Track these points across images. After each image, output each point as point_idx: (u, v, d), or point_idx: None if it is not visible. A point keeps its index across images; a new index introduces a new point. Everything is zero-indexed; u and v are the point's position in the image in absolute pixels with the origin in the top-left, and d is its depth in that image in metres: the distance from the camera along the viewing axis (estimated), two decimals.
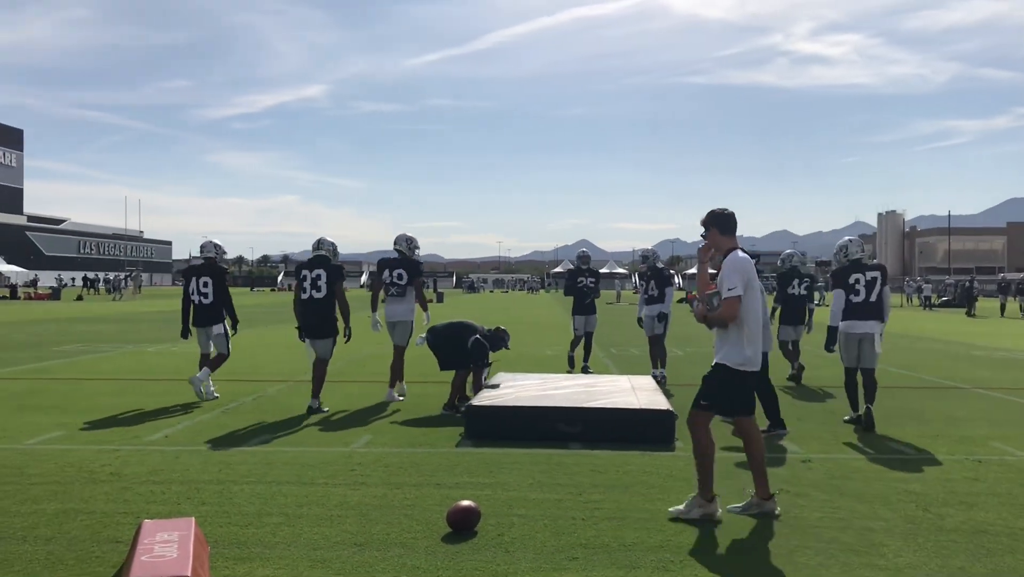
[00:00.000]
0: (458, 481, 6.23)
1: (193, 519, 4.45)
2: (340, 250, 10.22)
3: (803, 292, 12.75)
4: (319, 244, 9.87)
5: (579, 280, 13.60)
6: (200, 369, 10.24)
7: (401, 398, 10.33)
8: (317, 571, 4.34)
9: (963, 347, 19.78)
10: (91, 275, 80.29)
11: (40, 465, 6.58)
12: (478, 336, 9.56)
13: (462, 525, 5.01)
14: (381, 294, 10.76)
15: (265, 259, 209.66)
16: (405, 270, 10.45)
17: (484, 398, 8.45)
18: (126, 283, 66.63)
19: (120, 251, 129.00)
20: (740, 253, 5.50)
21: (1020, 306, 38.21)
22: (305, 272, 9.65)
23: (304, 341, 9.75)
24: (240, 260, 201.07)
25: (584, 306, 13.51)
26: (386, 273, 10.49)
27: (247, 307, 42.24)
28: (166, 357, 15.68)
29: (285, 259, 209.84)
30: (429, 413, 9.29)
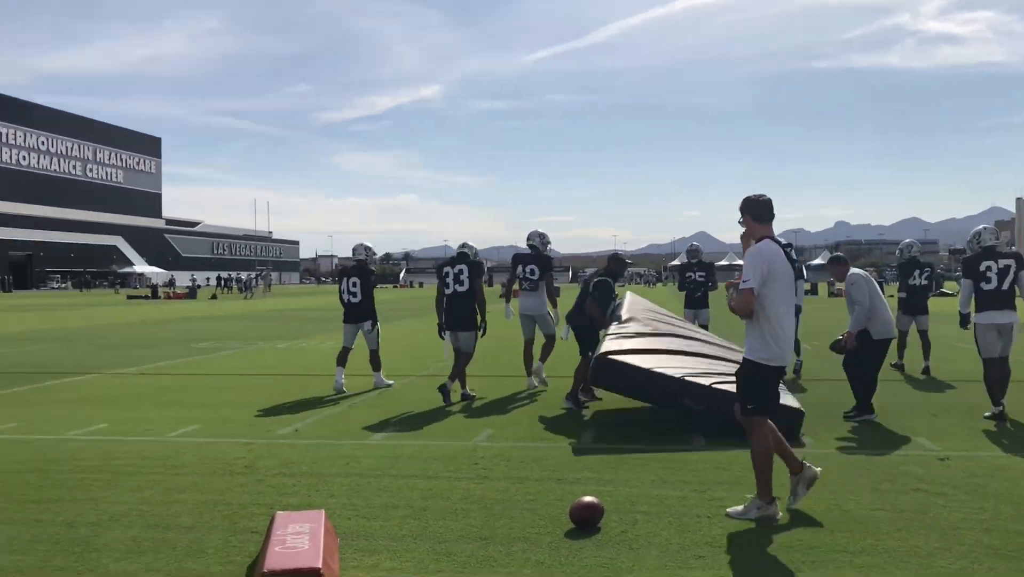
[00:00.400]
0: (579, 477, 6.22)
1: (323, 512, 4.59)
2: (455, 246, 10.58)
3: (924, 282, 12.55)
4: (463, 245, 10.45)
5: (687, 274, 13.72)
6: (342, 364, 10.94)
7: (539, 385, 10.71)
8: (442, 564, 4.40)
9: None
10: (224, 275, 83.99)
11: (181, 457, 6.91)
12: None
13: (585, 521, 4.99)
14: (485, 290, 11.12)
15: (388, 257, 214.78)
16: (537, 265, 10.78)
17: (616, 346, 8.40)
18: (256, 282, 69.42)
19: (250, 251, 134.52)
20: (766, 243, 5.27)
21: None
22: (448, 269, 10.18)
23: (444, 337, 10.22)
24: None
25: (695, 300, 13.61)
26: (519, 268, 10.88)
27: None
28: (294, 354, 16.23)
29: (406, 256, 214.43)
30: (550, 408, 9.30)
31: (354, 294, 11.06)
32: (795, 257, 5.87)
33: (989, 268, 8.48)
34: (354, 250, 11.41)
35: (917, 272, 12.53)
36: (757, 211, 5.40)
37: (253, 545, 4.66)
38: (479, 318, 10.04)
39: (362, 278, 11.11)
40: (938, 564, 4.38)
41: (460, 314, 9.99)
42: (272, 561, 3.76)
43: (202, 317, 30.96)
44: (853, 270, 8.76)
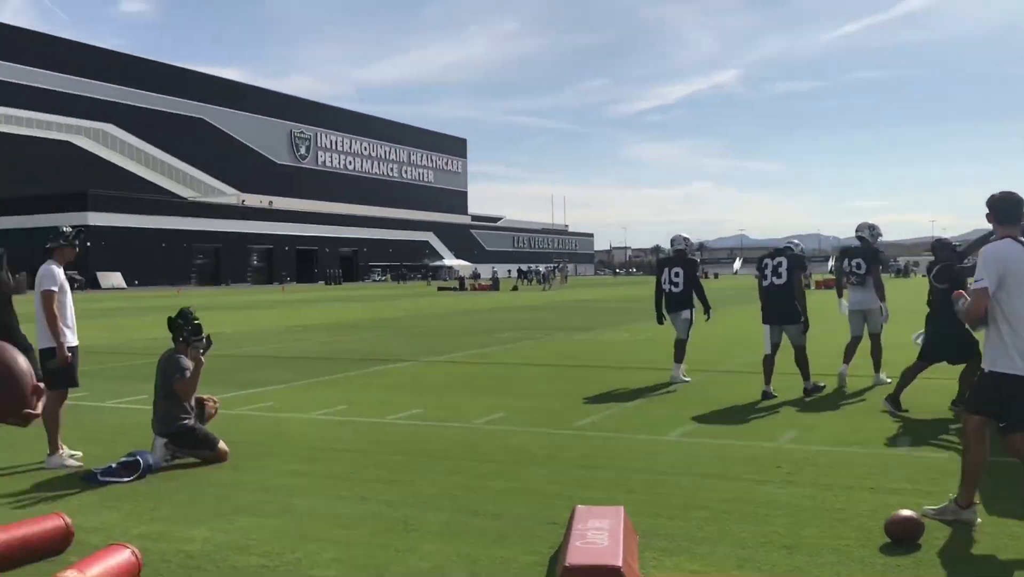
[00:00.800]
0: (896, 487, 5.75)
1: (622, 508, 4.59)
2: (754, 236, 10.26)
3: None
4: (788, 241, 10.49)
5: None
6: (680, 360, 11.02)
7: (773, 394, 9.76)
8: (745, 570, 4.25)
9: None
10: (524, 267, 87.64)
11: (487, 444, 7.25)
12: None
13: (904, 537, 4.59)
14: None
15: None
16: (863, 258, 10.52)
17: None
18: (554, 274, 71.73)
19: (548, 244, 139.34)
20: (1005, 242, 4.86)
21: None
22: (767, 260, 10.12)
23: (766, 327, 10.06)
24: (656, 249, 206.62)
25: None
26: (846, 262, 10.72)
27: None
28: (591, 345, 16.54)
29: (701, 247, 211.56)
30: (859, 409, 8.72)
31: (676, 284, 11.14)
32: None
33: None
34: (673, 241, 11.56)
35: None
36: (997, 211, 5.05)
37: (555, 536, 4.77)
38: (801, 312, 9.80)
39: (685, 268, 11.16)
40: None
41: (782, 307, 9.84)
42: (573, 556, 3.81)
43: (504, 308, 32.48)
44: None
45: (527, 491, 5.76)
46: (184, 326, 6.92)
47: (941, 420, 8.07)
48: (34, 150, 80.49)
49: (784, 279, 9.81)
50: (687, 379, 10.91)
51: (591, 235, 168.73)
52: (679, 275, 11.10)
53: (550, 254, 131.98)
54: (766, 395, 9.45)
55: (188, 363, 6.84)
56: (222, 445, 6.81)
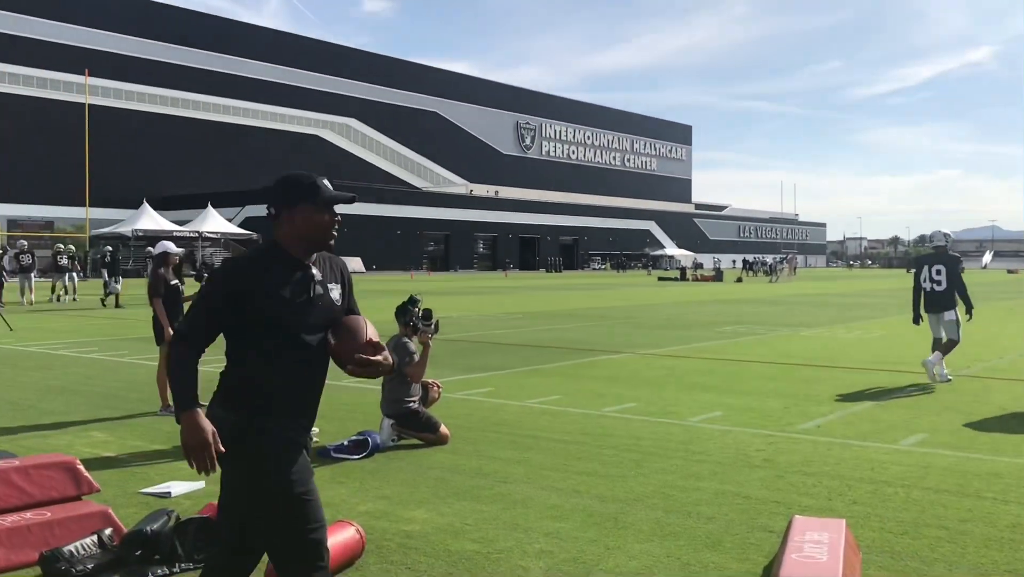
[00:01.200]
0: None
1: (844, 521, 4.34)
2: (1007, 228, 9.59)
3: None
4: (932, 237, 10.90)
5: None
6: (932, 353, 10.63)
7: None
8: None
9: None
10: (749, 257, 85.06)
11: (702, 443, 7.09)
12: None
13: None
14: None
15: (922, 239, 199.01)
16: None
17: None
18: (782, 265, 69.05)
19: (776, 234, 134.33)
20: None
21: None
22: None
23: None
24: (895, 240, 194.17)
25: None
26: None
27: (899, 290, 40.56)
28: (820, 342, 15.79)
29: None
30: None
31: (938, 282, 10.77)
32: None
33: None
34: (932, 237, 11.41)
35: None
36: None
37: (770, 545, 4.59)
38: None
39: (948, 265, 10.81)
40: None
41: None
42: (788, 569, 3.65)
43: (727, 300, 31.66)
44: None
45: (742, 495, 5.58)
46: (413, 311, 7.23)
47: None
48: (282, 143, 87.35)
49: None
50: (949, 377, 10.38)
51: (823, 225, 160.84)
52: (940, 272, 10.74)
53: (778, 244, 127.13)
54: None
55: (414, 347, 7.17)
56: (444, 428, 7.10)
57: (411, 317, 7.22)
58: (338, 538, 4.19)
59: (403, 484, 5.89)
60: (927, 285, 10.81)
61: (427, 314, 7.22)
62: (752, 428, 7.68)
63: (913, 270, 11.19)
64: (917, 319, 11.03)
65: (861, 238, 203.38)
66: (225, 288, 2.93)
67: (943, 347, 10.58)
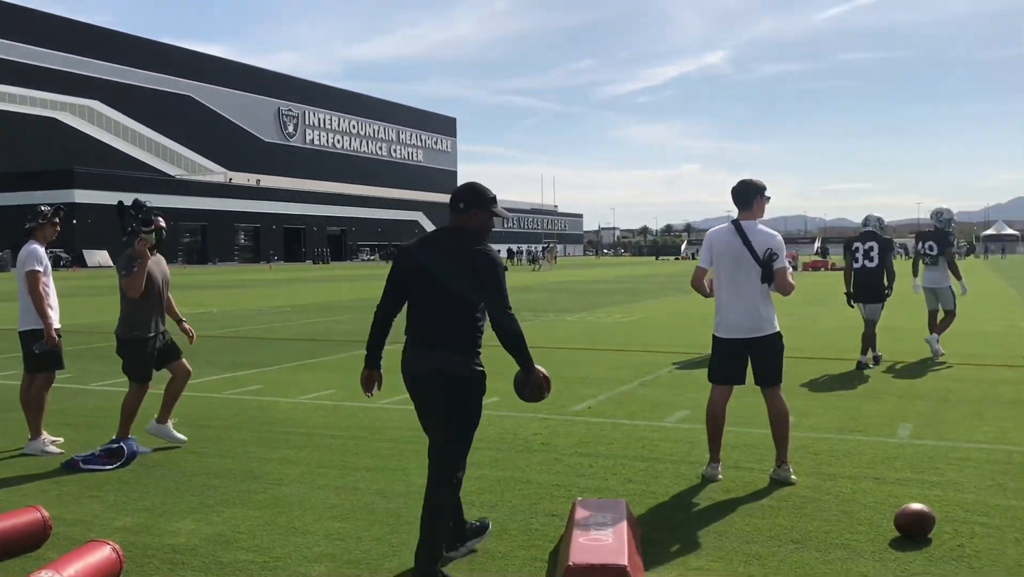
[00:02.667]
0: (900, 477, 5.61)
1: (624, 502, 4.44)
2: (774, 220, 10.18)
3: None
4: (866, 221, 11.18)
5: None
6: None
7: (937, 356, 11.00)
8: (753, 568, 4.10)
9: None
10: (514, 247, 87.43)
11: (481, 430, 6.96)
12: None
13: (914, 530, 4.45)
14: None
15: (668, 228, 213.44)
16: (936, 242, 11.40)
17: None
18: (543, 254, 71.46)
19: (537, 224, 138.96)
20: (717, 227, 5.82)
21: None
22: (857, 244, 10.88)
23: (852, 306, 10.98)
24: (644, 230, 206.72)
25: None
26: (920, 244, 11.67)
27: (652, 276, 43.14)
28: (583, 326, 16.37)
29: (687, 228, 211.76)
30: (857, 395, 8.59)
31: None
32: None
33: None
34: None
35: None
36: (735, 196, 5.73)
37: (555, 529, 4.61)
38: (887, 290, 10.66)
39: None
40: None
41: (865, 288, 10.69)
42: (577, 554, 3.65)
43: None
44: None
45: (523, 481, 5.60)
46: (135, 215, 6.34)
47: (942, 404, 7.95)
48: (18, 126, 79.54)
49: (876, 262, 10.62)
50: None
51: (580, 216, 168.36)
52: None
53: (540, 235, 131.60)
54: (860, 365, 10.38)
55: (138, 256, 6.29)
56: (184, 361, 6.63)
57: (130, 222, 6.33)
58: (89, 561, 3.74)
59: (165, 493, 5.42)
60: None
61: (147, 218, 6.33)
62: (528, 412, 7.77)
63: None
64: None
65: (614, 228, 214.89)
66: None
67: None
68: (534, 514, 4.92)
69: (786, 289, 5.56)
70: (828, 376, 9.79)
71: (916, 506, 4.56)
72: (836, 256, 73.94)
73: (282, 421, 7.56)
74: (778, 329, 5.69)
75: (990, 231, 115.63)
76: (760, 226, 5.68)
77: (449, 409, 4.08)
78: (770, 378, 5.75)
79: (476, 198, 4.27)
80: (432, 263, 4.18)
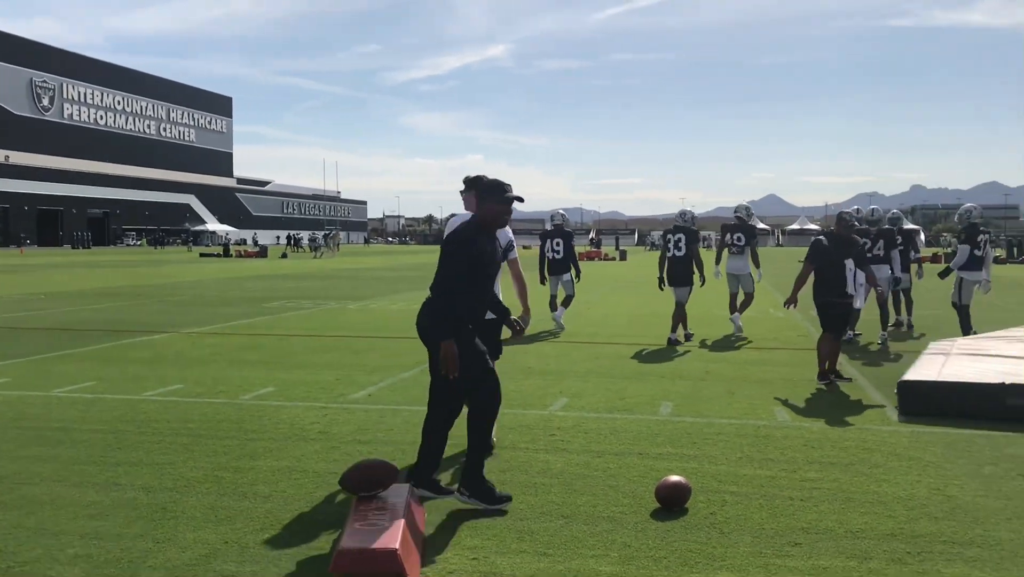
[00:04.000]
0: (661, 452, 5.99)
1: (408, 486, 4.45)
2: (521, 208, 10.47)
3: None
4: (681, 215, 12.52)
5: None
6: (555, 309, 13.46)
7: (736, 333, 12.57)
8: (524, 543, 4.23)
9: None
10: (295, 234, 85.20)
11: (256, 421, 6.85)
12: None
13: (672, 501, 4.77)
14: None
15: (452, 217, 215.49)
16: (743, 234, 12.88)
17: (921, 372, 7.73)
18: (326, 241, 70.21)
19: (319, 211, 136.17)
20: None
21: None
22: (669, 236, 12.21)
23: (663, 289, 12.27)
24: (430, 219, 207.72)
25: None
26: (728, 236, 13.02)
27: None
28: (365, 314, 16.24)
29: None
30: (629, 377, 9.07)
31: (557, 252, 13.48)
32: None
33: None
34: (552, 217, 13.95)
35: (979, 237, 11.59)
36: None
37: (334, 517, 4.55)
38: (699, 277, 12.09)
39: (564, 239, 13.50)
40: None
41: (681, 272, 12.02)
42: (348, 540, 3.62)
43: (273, 276, 31.33)
44: None
45: (300, 470, 5.48)
46: None
47: (700, 384, 8.56)
48: None
49: (684, 251, 12.04)
50: (563, 326, 13.19)
51: (364, 203, 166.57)
52: (560, 244, 13.47)
53: (322, 221, 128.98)
54: (671, 341, 11.65)
55: None
56: None
57: None
58: None
59: None
60: (550, 255, 13.44)
61: None
62: (306, 401, 7.62)
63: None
64: (543, 280, 13.39)
65: (399, 216, 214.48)
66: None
67: (565, 302, 13.47)
68: (311, 503, 4.83)
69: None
70: (600, 359, 10.27)
71: (674, 478, 4.88)
72: (608, 247, 77.66)
73: (34, 416, 6.98)
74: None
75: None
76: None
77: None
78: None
79: (484, 189, 4.96)
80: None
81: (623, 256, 56.37)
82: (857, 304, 9.11)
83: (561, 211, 14.11)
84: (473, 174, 5.71)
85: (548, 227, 13.94)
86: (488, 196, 4.92)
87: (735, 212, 13.45)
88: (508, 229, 5.76)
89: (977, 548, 4.21)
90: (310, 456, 5.82)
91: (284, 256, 57.89)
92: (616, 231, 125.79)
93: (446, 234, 5.09)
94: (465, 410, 4.96)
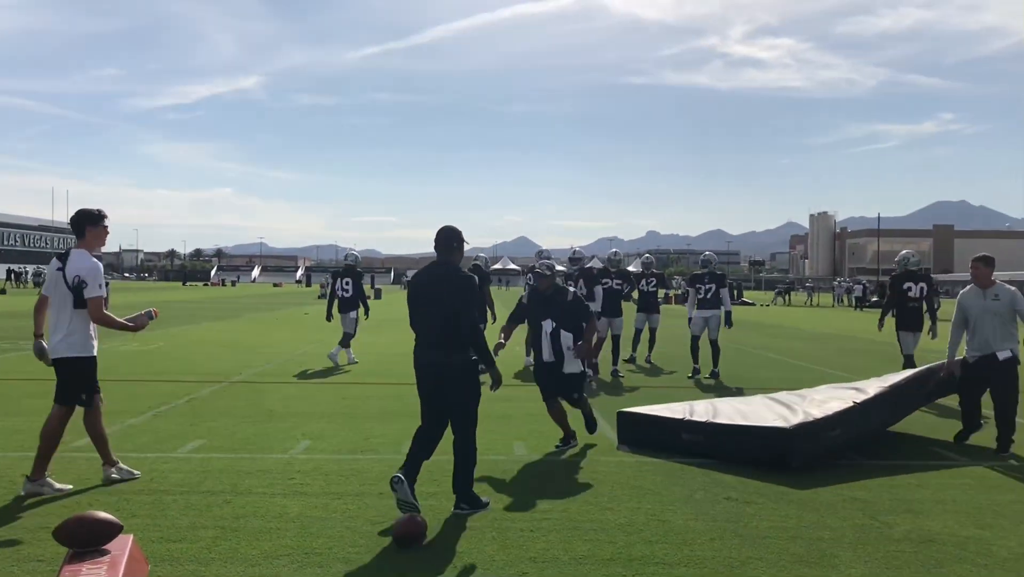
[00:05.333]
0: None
1: (132, 537, 4.21)
2: (274, 244, 10.54)
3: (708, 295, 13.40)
4: (612, 257, 14.57)
5: (604, 281, 13.37)
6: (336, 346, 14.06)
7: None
8: None
9: (892, 347, 20.13)
10: (16, 267, 77.80)
11: None
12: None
13: (409, 540, 4.84)
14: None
15: (198, 253, 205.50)
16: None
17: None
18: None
19: (47, 243, 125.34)
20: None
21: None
22: (607, 280, 13.30)
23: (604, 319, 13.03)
24: (172, 254, 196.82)
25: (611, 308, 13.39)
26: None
27: (179, 303, 41.27)
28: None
29: (219, 253, 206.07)
30: (372, 418, 9.07)
31: (347, 290, 14.05)
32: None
33: (910, 288, 11.08)
34: (346, 256, 14.78)
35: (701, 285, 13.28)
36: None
37: (42, 574, 4.22)
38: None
39: (354, 278, 14.16)
40: (750, 573, 4.53)
41: (616, 305, 13.35)
42: None
43: None
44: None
45: (5, 526, 5.02)
46: None
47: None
48: None
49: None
50: (355, 360, 14.18)
51: None
52: (349, 284, 14.08)
53: (49, 254, 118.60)
54: (614, 373, 12.86)
55: None
56: None
57: None
58: None
59: None
60: (340, 293, 14.01)
61: None
62: (19, 451, 7.01)
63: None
64: (329, 317, 14.20)
65: (138, 250, 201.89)
66: None
67: (343, 340, 14.07)
68: (17, 561, 4.45)
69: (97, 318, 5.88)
70: (347, 399, 10.19)
71: (409, 517, 4.96)
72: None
73: None
74: None
75: (497, 265, 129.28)
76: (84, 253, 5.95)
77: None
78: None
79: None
80: None
81: (378, 295, 56.25)
82: (568, 368, 7.54)
83: (355, 252, 14.95)
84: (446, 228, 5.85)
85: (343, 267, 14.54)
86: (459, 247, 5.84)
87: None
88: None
89: (683, 567, 4.61)
90: (24, 509, 5.35)
91: (3, 292, 52.62)
92: (372, 269, 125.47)
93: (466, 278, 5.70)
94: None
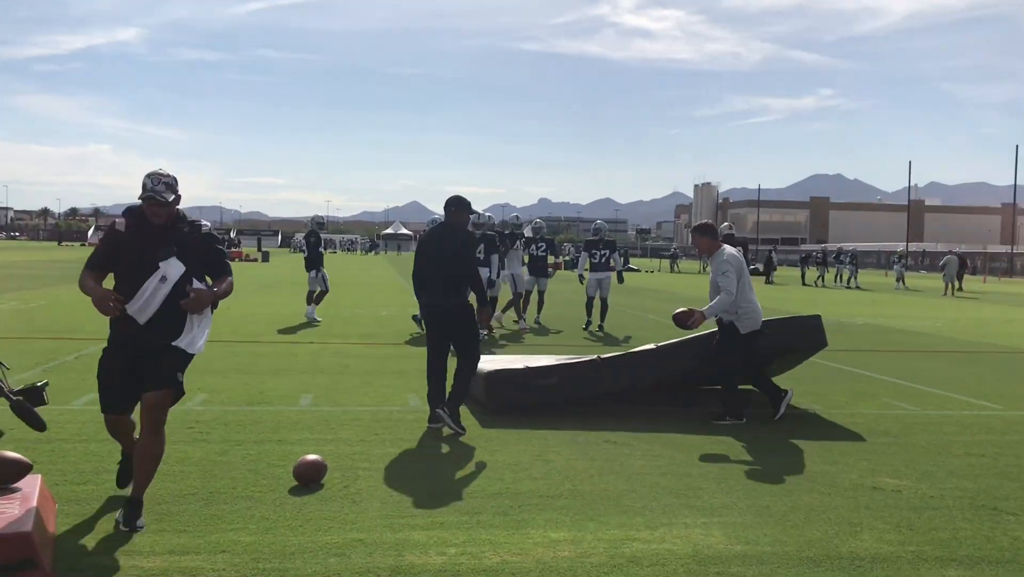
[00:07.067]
0: (300, 437, 6.32)
1: (40, 477, 4.37)
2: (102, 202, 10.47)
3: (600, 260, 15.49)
4: (536, 227, 15.83)
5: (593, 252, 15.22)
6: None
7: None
8: (164, 524, 4.36)
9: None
10: None
11: None
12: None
13: (308, 478, 5.12)
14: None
15: (73, 212, 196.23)
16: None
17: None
18: None
19: None
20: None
21: (819, 276, 41.30)
22: (532, 245, 15.18)
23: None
24: (45, 212, 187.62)
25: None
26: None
27: (56, 262, 39.73)
28: None
29: (96, 212, 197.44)
30: (266, 374, 9.23)
31: (541, 248, 15.32)
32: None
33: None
34: (313, 220, 16.26)
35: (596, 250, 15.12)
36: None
37: None
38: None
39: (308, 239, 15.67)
40: (624, 502, 5.00)
41: (541, 267, 15.32)
42: None
43: None
44: (727, 249, 7.56)
45: None
46: None
47: (339, 377, 8.97)
48: None
49: (543, 253, 15.32)
50: (318, 319, 14.73)
51: None
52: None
53: None
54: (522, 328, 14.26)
55: None
56: None
57: None
58: None
59: None
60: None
61: None
62: None
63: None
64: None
65: (8, 208, 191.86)
66: None
67: (316, 299, 15.10)
68: None
69: None
70: (239, 356, 10.30)
71: (310, 457, 5.25)
72: (249, 248, 75.81)
73: None
74: None
75: (389, 230, 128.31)
76: None
77: None
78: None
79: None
80: None
81: (266, 257, 55.33)
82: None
83: (319, 217, 16.39)
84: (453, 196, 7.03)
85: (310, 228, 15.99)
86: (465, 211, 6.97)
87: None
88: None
89: (564, 499, 5.04)
90: None
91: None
92: (259, 232, 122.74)
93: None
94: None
